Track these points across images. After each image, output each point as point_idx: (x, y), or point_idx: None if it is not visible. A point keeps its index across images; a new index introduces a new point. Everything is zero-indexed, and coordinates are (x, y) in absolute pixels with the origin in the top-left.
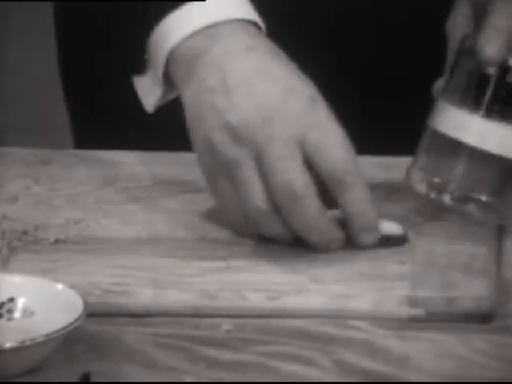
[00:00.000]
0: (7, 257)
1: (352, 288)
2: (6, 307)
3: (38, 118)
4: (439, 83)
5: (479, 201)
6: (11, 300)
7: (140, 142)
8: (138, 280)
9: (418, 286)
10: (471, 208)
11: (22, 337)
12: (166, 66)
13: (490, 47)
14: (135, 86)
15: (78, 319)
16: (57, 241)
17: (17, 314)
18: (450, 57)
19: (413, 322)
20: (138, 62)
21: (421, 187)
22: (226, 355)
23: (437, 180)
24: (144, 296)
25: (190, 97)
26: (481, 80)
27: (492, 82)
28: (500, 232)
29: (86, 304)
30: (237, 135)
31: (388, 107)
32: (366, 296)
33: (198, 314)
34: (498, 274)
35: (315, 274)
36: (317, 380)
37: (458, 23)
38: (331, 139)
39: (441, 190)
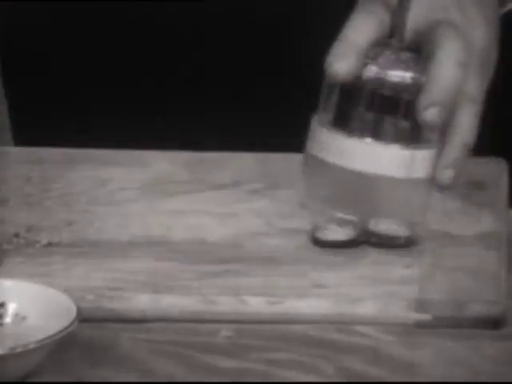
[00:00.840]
0: None
1: (356, 292)
2: None
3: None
4: None
5: (358, 226)
6: (1, 305)
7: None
8: (133, 284)
9: (425, 289)
10: (349, 231)
11: (13, 343)
12: None
13: (338, 63)
14: None
15: (71, 325)
16: (49, 244)
17: (7, 320)
18: None
19: (419, 328)
20: None
21: (308, 211)
22: (226, 362)
23: (313, 204)
24: (140, 301)
25: None
26: (341, 96)
27: (351, 98)
28: (511, 235)
29: (79, 309)
30: None
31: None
32: (371, 300)
33: (196, 320)
34: (509, 278)
35: (318, 278)
36: None
37: None
38: None
39: (317, 213)
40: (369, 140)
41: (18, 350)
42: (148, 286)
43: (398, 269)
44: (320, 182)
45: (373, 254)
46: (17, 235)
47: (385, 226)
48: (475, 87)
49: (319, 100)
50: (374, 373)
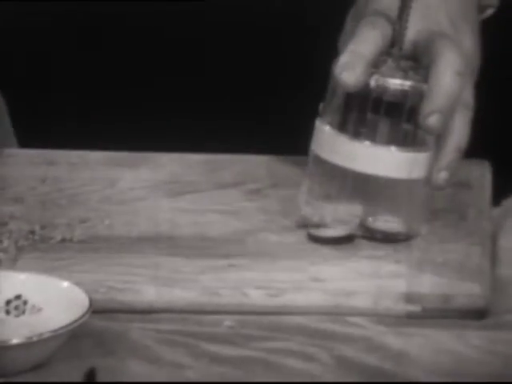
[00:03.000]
0: (15, 255)
1: (351, 286)
2: (13, 304)
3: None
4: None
5: (357, 222)
6: (18, 297)
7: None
8: (142, 278)
9: (414, 283)
10: (353, 229)
11: (30, 333)
12: None
13: (347, 74)
14: None
15: (83, 316)
16: (63, 240)
17: (24, 311)
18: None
19: (410, 319)
20: None
21: (307, 210)
22: (229, 351)
23: (317, 202)
24: (148, 293)
25: None
26: (346, 101)
27: (355, 103)
28: (494, 231)
29: (91, 301)
30: None
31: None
32: (365, 293)
33: (200, 311)
34: (492, 272)
35: (315, 272)
36: (318, 375)
37: (345, 42)
38: None
39: (322, 212)
40: (370, 143)
41: (34, 339)
42: (156, 280)
43: (389, 264)
44: (323, 180)
45: (366, 250)
46: (32, 232)
47: (382, 223)
48: (469, 94)
49: (322, 102)
50: (367, 360)
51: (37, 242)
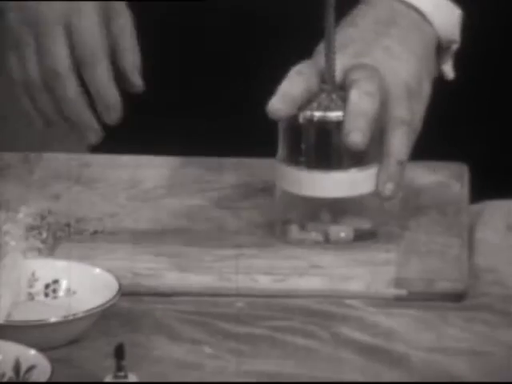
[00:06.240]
0: (52, 245)
1: (347, 272)
2: (51, 288)
3: None
4: None
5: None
6: (56, 281)
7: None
8: (164, 265)
9: (402, 270)
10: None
11: (65, 313)
12: None
13: (275, 105)
14: None
15: (113, 298)
16: (95, 232)
17: (61, 294)
18: None
19: (398, 301)
20: None
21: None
22: (240, 329)
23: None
24: (170, 278)
25: None
26: (285, 135)
27: (291, 136)
28: (471, 225)
29: (120, 285)
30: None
31: None
32: (359, 279)
33: (215, 294)
34: (469, 261)
35: (315, 260)
36: (317, 350)
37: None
38: (84, 23)
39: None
40: (315, 169)
41: (70, 318)
42: (176, 267)
43: (380, 253)
44: (286, 205)
45: (360, 241)
46: (68, 225)
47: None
48: (403, 111)
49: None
50: (361, 337)
51: (72, 234)
